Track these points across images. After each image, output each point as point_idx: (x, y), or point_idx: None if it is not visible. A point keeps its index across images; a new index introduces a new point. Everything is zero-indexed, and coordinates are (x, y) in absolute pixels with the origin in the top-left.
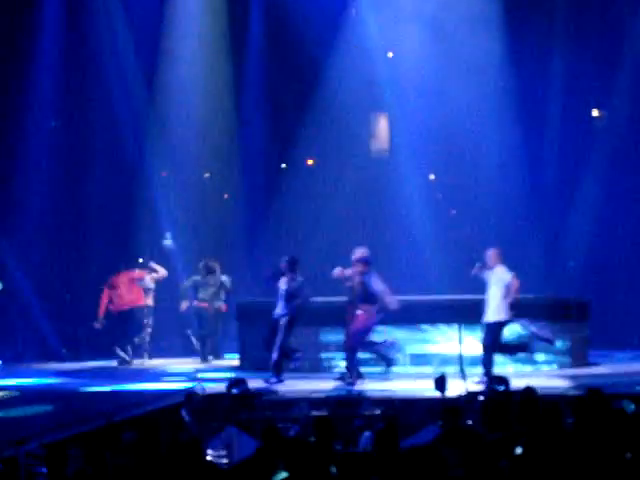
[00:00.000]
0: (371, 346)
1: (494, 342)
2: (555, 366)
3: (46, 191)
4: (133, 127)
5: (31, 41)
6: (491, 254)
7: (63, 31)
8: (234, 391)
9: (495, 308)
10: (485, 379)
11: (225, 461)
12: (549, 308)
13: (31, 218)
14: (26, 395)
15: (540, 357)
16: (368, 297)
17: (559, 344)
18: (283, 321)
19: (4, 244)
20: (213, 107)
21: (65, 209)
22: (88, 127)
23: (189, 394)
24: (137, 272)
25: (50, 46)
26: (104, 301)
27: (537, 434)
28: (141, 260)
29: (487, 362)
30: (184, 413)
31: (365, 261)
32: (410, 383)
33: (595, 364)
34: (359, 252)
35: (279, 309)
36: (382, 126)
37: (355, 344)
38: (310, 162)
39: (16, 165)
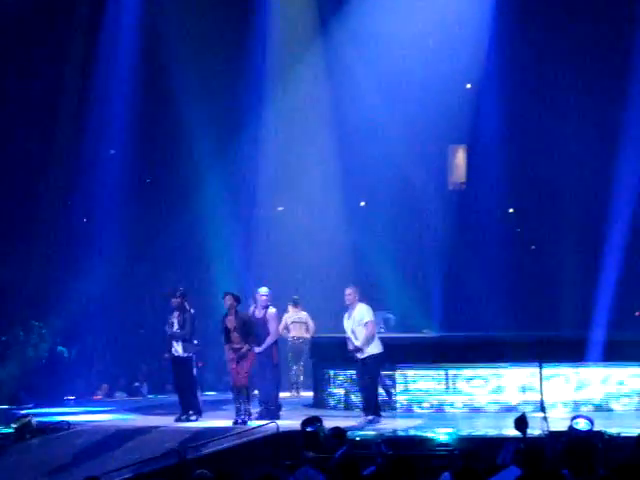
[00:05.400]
0: None
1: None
2: None
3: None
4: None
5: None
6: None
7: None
8: (308, 429)
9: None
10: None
11: None
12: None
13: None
14: (97, 431)
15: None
16: None
17: None
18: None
19: (79, 282)
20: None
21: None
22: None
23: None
24: None
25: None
26: None
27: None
28: None
29: None
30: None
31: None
32: (490, 422)
33: None
34: None
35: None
36: (460, 158)
37: None
38: None
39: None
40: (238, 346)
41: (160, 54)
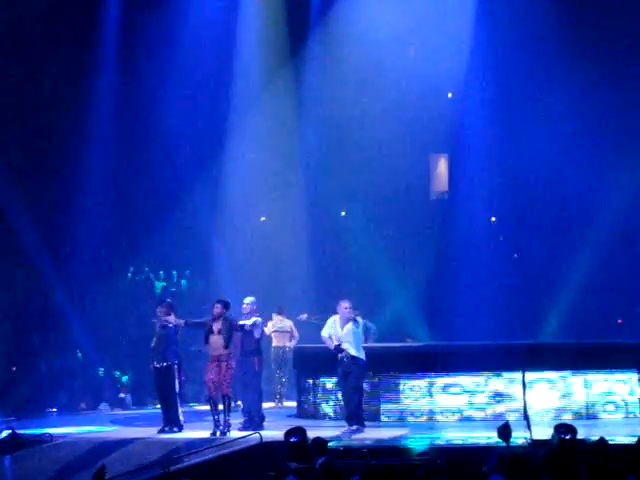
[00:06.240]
0: None
1: None
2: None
3: (102, 240)
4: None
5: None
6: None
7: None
8: (292, 440)
9: None
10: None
11: None
12: (623, 353)
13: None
14: (80, 443)
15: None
16: None
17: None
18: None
19: (61, 292)
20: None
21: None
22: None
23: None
24: None
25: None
26: None
27: None
28: None
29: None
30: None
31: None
32: (474, 430)
33: None
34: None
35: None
36: (442, 167)
37: None
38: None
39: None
40: (217, 353)
41: (141, 68)
